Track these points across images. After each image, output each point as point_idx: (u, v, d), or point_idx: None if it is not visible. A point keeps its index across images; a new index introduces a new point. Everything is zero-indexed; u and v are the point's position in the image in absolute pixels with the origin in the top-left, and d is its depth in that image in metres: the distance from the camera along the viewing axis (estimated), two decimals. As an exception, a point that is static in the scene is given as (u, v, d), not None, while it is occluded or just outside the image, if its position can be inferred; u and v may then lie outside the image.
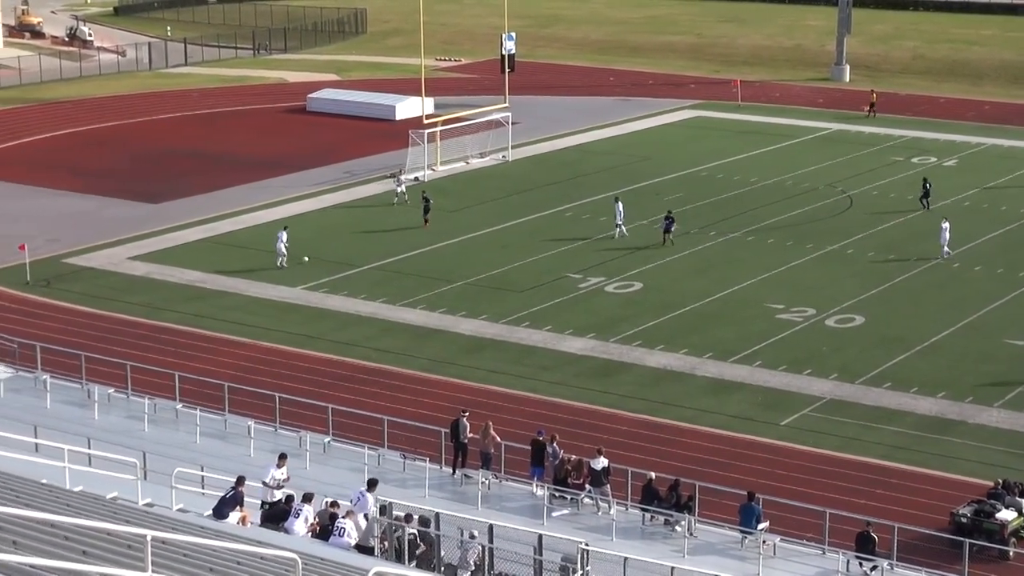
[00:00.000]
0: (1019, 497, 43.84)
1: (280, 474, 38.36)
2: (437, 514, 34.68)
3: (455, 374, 56.73)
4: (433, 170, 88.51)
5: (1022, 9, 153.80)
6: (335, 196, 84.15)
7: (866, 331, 61.33)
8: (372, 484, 36.32)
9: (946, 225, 71.16)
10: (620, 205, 75.35)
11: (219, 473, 38.92)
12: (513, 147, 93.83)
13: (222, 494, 34.82)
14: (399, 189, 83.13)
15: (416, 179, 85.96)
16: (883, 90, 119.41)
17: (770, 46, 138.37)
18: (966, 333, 61.22)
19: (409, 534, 33.58)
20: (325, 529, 34.02)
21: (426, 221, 76.27)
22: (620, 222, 74.77)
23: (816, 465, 48.70)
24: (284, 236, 69.06)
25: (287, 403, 48.72)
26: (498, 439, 44.29)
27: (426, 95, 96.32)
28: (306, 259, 66.85)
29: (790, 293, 66.10)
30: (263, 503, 37.05)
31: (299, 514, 34.32)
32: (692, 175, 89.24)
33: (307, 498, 35.19)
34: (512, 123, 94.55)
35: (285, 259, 68.91)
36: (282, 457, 39.16)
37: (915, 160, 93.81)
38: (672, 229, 73.27)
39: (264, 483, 37.85)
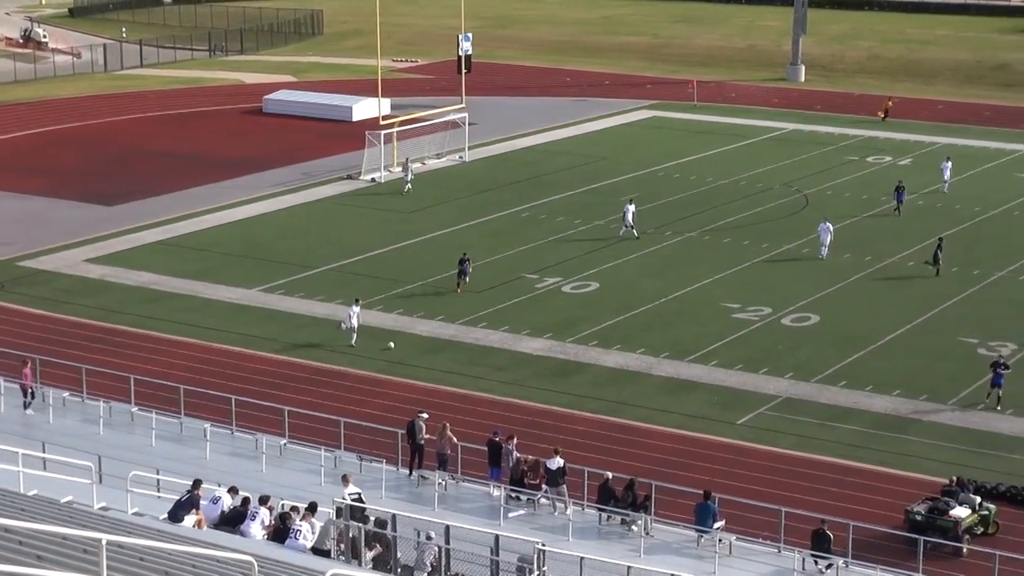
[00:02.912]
0: (973, 494, 44.15)
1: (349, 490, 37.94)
2: (394, 515, 34.69)
3: (412, 375, 56.72)
4: (390, 171, 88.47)
5: (975, 9, 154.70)
6: (292, 197, 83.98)
7: (822, 330, 61.62)
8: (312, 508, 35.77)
9: (828, 226, 71.27)
10: (632, 207, 75.13)
11: (175, 476, 38.82)
12: (470, 148, 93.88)
13: (178, 497, 34.75)
14: (407, 177, 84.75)
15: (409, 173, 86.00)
16: (838, 90, 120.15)
17: (726, 46, 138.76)
18: (921, 331, 61.58)
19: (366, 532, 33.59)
20: (281, 531, 33.98)
21: (459, 285, 66.16)
22: (630, 224, 74.45)
23: (772, 464, 48.90)
24: (356, 310, 59.86)
25: (243, 405, 48.64)
26: (455, 440, 44.33)
27: (383, 96, 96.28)
28: (391, 345, 58.84)
29: (746, 292, 66.33)
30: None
31: (255, 517, 34.29)
32: (649, 175, 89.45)
33: (263, 501, 35.16)
34: (469, 124, 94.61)
35: (355, 334, 59.54)
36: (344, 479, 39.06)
37: (870, 159, 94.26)
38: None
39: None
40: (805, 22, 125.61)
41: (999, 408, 52.46)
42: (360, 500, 37.32)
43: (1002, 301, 65.56)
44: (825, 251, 70.83)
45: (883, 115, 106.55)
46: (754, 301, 65.03)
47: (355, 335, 59.19)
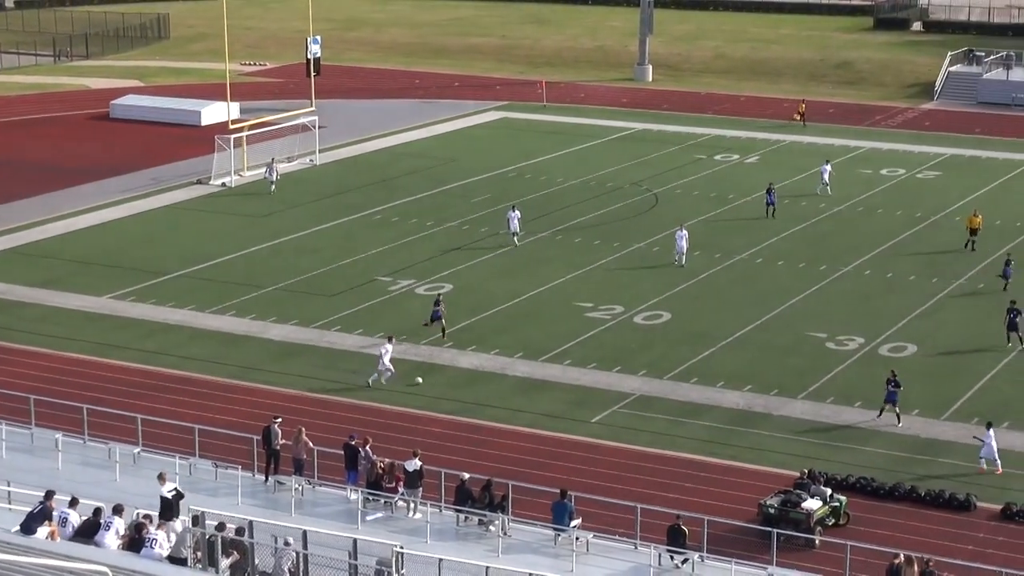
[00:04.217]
0: (824, 486, 44.94)
1: None
2: (250, 522, 34.51)
3: (266, 380, 56.45)
4: (240, 175, 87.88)
5: (817, 8, 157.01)
6: (141, 203, 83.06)
7: (673, 327, 62.27)
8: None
9: (683, 233, 70.94)
10: (516, 213, 74.42)
11: (27, 488, 38.27)
12: (321, 151, 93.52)
13: (30, 509, 34.27)
14: (272, 178, 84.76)
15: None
16: (685, 89, 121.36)
17: (574, 47, 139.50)
18: (770, 327, 62.48)
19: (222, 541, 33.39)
20: (136, 541, 33.64)
21: (443, 331, 60.93)
22: (515, 230, 73.76)
23: (627, 461, 49.35)
24: (389, 348, 56.64)
25: (95, 414, 48.04)
26: (310, 444, 44.19)
27: (232, 100, 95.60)
28: (419, 380, 56.56)
29: (598, 291, 66.83)
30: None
31: (109, 527, 33.91)
32: (500, 176, 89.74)
33: (117, 510, 34.77)
34: (319, 127, 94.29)
35: (389, 374, 56.34)
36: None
37: (717, 157, 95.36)
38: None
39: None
40: (651, 22, 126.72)
41: (899, 424, 52.02)
42: (179, 496, 37.30)
43: (849, 295, 66.70)
44: (682, 258, 70.40)
45: (799, 118, 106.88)
46: (606, 300, 65.54)
47: (389, 373, 55.83)
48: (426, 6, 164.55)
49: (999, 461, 48.21)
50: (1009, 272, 66.77)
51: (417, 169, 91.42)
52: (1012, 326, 59.51)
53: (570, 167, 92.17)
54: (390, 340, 57.25)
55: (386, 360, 55.79)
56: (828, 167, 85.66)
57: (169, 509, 36.83)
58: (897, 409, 52.02)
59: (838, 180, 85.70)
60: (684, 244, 70.63)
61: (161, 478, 38.90)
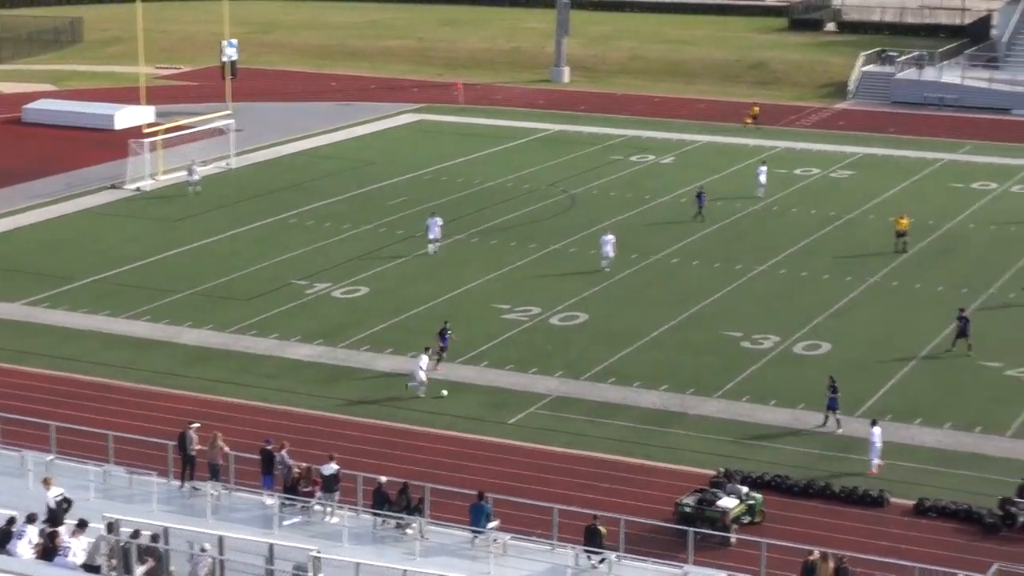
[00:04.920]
0: (740, 484, 45.24)
1: None
2: (166, 528, 34.37)
3: (181, 386, 56.11)
4: (155, 180, 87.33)
5: (732, 10, 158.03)
6: (55, 208, 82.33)
7: (590, 328, 62.44)
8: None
9: (610, 238, 70.55)
10: (437, 219, 73.58)
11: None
12: (237, 154, 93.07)
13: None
14: (192, 178, 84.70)
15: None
16: (601, 91, 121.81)
17: (490, 49, 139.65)
18: (685, 327, 62.80)
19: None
20: (50, 549, 33.41)
21: (440, 359, 57.83)
22: (435, 237, 72.99)
23: (544, 462, 49.44)
24: (425, 359, 55.67)
25: (7, 422, 47.52)
26: (226, 449, 43.95)
27: (147, 104, 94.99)
28: (444, 393, 55.22)
29: (515, 293, 66.93)
30: None
31: (22, 536, 33.66)
32: (417, 178, 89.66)
33: (31, 519, 34.53)
34: (235, 130, 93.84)
35: (423, 386, 55.49)
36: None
37: (633, 159, 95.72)
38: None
39: None
40: (568, 24, 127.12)
41: (840, 431, 51.96)
42: (66, 503, 36.97)
43: (763, 295, 67.16)
44: (606, 264, 70.15)
45: (751, 120, 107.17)
46: (523, 301, 65.65)
47: (423, 387, 55.12)
48: (342, 9, 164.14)
49: (876, 460, 48.41)
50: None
51: (334, 172, 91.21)
52: (963, 333, 59.17)
53: (487, 169, 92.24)
54: (427, 350, 56.16)
55: (422, 375, 54.92)
56: (764, 168, 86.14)
57: (55, 517, 36.07)
58: (838, 416, 52.16)
59: (750, 181, 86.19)
60: (611, 250, 70.18)
61: (46, 483, 38.26)
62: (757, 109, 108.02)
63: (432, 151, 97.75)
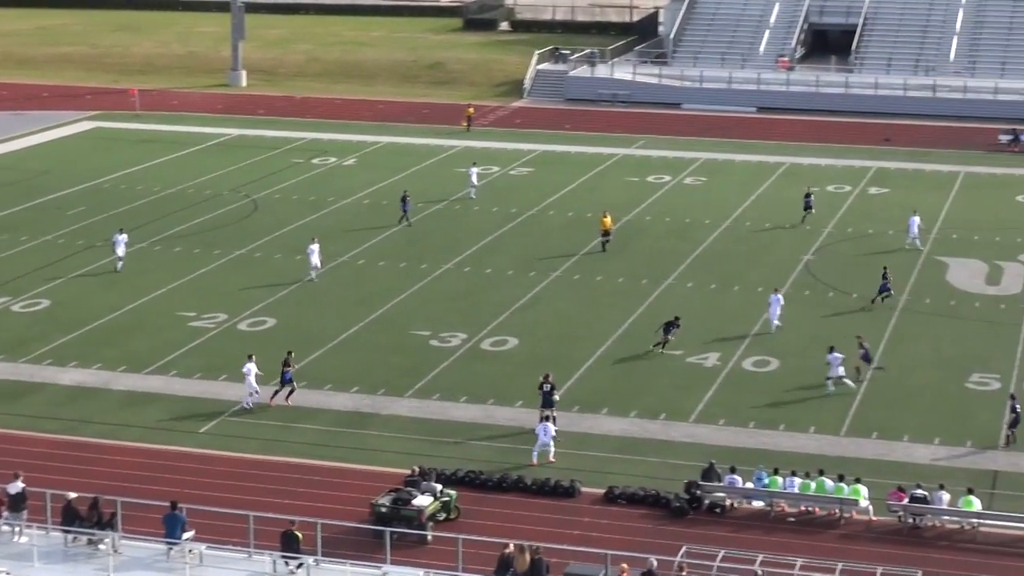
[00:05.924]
0: (434, 482, 45.66)
1: None
2: None
3: None
4: None
5: (406, 11, 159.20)
6: None
7: (278, 332, 62.18)
8: None
9: (315, 247, 69.66)
10: (124, 236, 71.17)
11: None
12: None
13: None
14: None
15: None
16: (280, 94, 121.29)
17: (165, 54, 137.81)
18: (374, 327, 63.06)
19: None
20: None
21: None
22: (121, 255, 70.57)
23: (238, 469, 49.10)
24: (252, 368, 53.96)
25: None
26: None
27: None
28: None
29: (201, 300, 66.26)
30: None
31: None
32: (94, 187, 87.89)
33: None
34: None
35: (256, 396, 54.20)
36: None
37: (315, 161, 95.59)
38: None
39: None
40: (243, 28, 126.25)
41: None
42: None
43: (449, 293, 67.85)
44: (314, 274, 69.39)
45: (466, 124, 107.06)
46: (209, 308, 65.04)
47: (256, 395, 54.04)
48: (9, 16, 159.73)
49: (552, 448, 49.70)
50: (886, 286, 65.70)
51: (8, 183, 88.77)
52: (866, 359, 57.33)
53: (167, 175, 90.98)
54: (250, 358, 54.62)
55: (252, 380, 53.86)
56: (476, 169, 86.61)
57: None
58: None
59: (436, 179, 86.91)
60: (317, 259, 69.47)
61: None
62: (472, 111, 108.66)
63: (110, 159, 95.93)
